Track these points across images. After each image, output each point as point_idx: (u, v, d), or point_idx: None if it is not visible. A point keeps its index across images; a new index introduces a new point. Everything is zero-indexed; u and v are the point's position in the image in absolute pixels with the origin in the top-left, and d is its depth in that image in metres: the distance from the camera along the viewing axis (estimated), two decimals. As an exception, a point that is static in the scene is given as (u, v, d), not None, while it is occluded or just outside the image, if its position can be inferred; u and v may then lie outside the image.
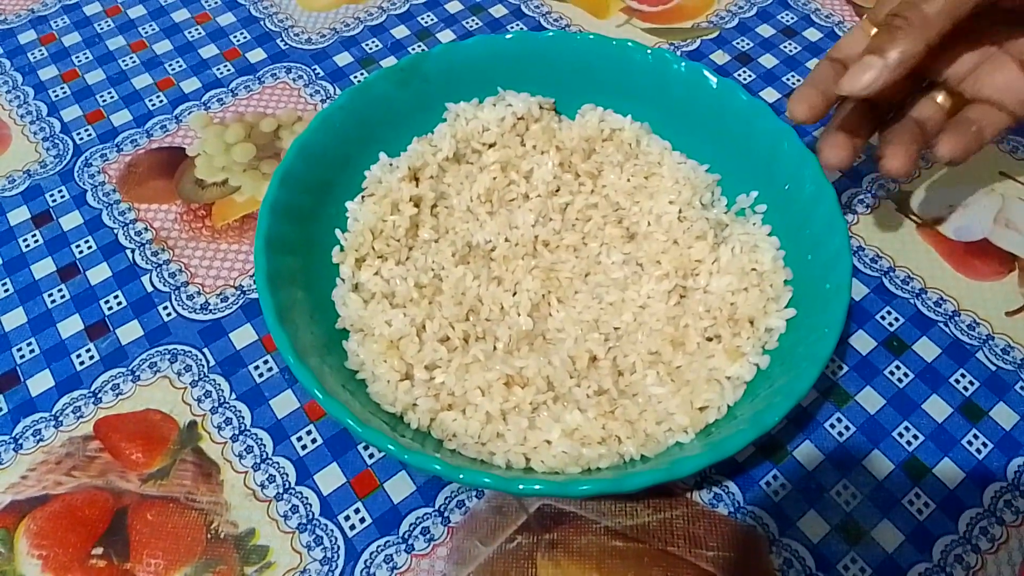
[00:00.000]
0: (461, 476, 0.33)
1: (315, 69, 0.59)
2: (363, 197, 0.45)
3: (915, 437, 0.41)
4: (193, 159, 0.54)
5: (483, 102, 0.49)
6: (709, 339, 0.41)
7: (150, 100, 0.58)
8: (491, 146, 0.48)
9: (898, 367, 0.44)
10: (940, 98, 0.41)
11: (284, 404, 0.43)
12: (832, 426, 0.42)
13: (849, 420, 0.42)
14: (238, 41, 0.62)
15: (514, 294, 0.43)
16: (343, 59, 0.60)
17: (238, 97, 0.58)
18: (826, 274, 0.39)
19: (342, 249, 0.43)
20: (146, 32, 0.63)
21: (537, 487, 0.33)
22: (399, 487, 0.40)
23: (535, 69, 0.49)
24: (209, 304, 0.47)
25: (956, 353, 0.44)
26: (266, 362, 0.44)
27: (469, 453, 0.37)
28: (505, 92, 0.49)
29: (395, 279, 0.42)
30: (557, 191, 0.47)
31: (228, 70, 0.60)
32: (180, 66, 0.60)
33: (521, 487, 0.33)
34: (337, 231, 0.44)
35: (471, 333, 0.41)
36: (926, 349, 0.45)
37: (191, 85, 0.59)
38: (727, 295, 0.42)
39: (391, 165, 0.46)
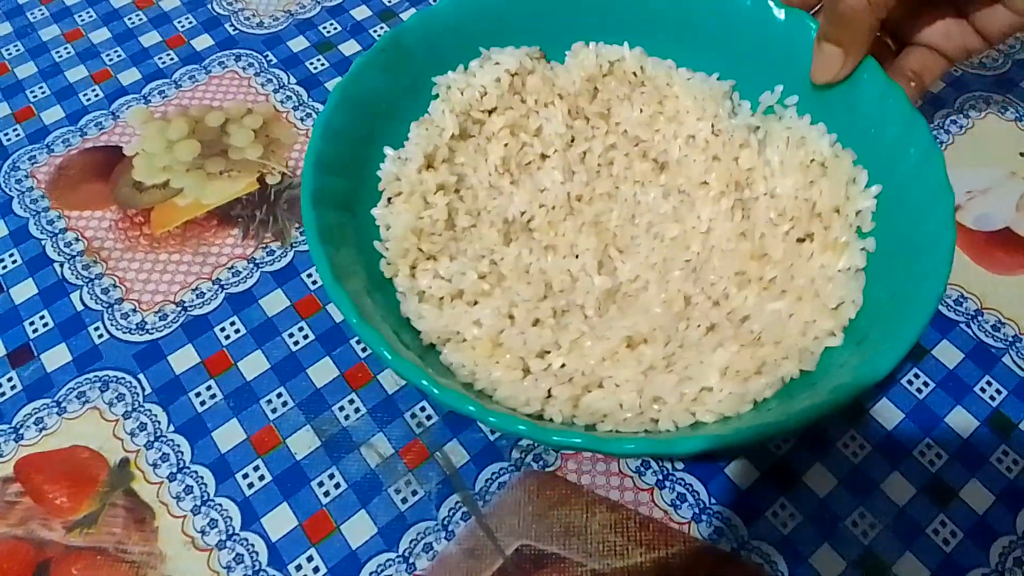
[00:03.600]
0: (680, 447, 0.30)
1: (267, 56, 0.54)
2: (388, 200, 0.40)
3: (938, 456, 0.37)
4: (131, 159, 0.49)
5: (468, 67, 0.44)
6: (800, 240, 0.39)
7: (84, 95, 0.52)
8: (492, 111, 0.44)
9: (917, 375, 0.39)
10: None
11: (229, 435, 0.38)
12: (846, 445, 0.37)
13: (864, 438, 0.37)
14: (183, 27, 0.56)
15: (576, 257, 0.40)
16: (298, 44, 0.55)
17: (182, 89, 0.52)
18: (904, 141, 0.36)
19: (389, 263, 0.38)
20: (83, 20, 0.57)
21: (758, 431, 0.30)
22: (358, 529, 0.35)
23: (514, 19, 0.44)
24: (146, 323, 0.42)
25: (981, 358, 0.40)
26: (209, 388, 0.39)
27: (632, 428, 0.33)
28: (489, 51, 0.44)
29: (456, 276, 0.38)
30: (572, 141, 0.44)
31: (171, 59, 0.54)
32: (119, 56, 0.55)
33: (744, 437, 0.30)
34: (376, 244, 0.39)
35: (556, 309, 0.37)
36: (947, 354, 0.40)
37: (130, 77, 0.53)
38: (798, 193, 0.40)
39: (400, 158, 0.41)
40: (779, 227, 0.39)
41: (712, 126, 0.42)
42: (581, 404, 0.34)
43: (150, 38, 0.56)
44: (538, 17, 0.44)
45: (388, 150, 0.41)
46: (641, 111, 0.44)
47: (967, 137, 0.49)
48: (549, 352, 0.36)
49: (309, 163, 0.36)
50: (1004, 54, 0.53)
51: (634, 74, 0.45)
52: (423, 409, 0.39)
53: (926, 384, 0.39)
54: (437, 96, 0.43)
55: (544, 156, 0.43)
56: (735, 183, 0.41)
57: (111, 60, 0.54)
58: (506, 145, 0.43)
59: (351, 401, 0.39)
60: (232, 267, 0.44)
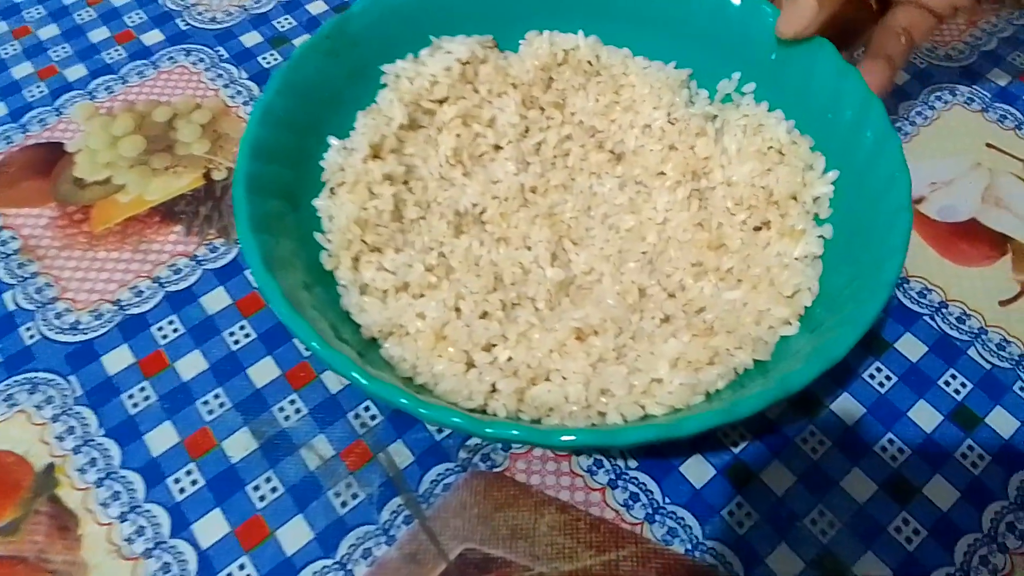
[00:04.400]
0: (623, 437, 0.28)
1: (219, 51, 0.53)
2: (331, 191, 0.39)
3: (900, 451, 0.36)
4: (73, 156, 0.47)
5: (418, 56, 0.42)
6: (757, 228, 0.38)
7: (29, 91, 0.51)
8: (443, 101, 0.42)
9: (879, 369, 0.38)
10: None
11: (161, 438, 0.36)
12: (804, 441, 0.36)
13: (823, 434, 0.36)
14: (133, 22, 0.55)
15: (529, 249, 0.38)
16: (251, 39, 0.53)
17: (129, 84, 0.51)
18: (860, 125, 0.36)
19: (330, 255, 0.36)
20: (31, 16, 0.56)
21: (703, 422, 0.28)
22: (294, 535, 0.34)
23: (465, 7, 0.43)
24: (80, 323, 0.40)
25: (945, 350, 0.39)
26: (143, 389, 0.38)
27: (578, 422, 0.32)
28: (440, 40, 0.42)
29: (402, 268, 0.36)
30: (526, 132, 0.43)
31: (119, 54, 0.53)
32: (66, 52, 0.53)
33: (688, 428, 0.28)
34: (317, 235, 0.37)
35: (506, 301, 0.36)
36: (910, 347, 0.39)
37: (76, 72, 0.52)
38: (755, 180, 0.39)
39: (346, 148, 0.39)
40: (736, 216, 0.38)
41: (668, 115, 0.41)
42: (526, 398, 0.33)
43: (99, 34, 0.54)
44: (490, 5, 0.43)
45: (333, 140, 0.39)
46: (597, 100, 0.43)
47: (932, 128, 0.48)
48: (496, 345, 0.34)
49: (245, 148, 0.34)
50: (970, 46, 0.52)
51: (589, 63, 0.43)
52: (367, 409, 0.37)
53: (888, 378, 0.38)
54: (385, 85, 0.42)
55: (497, 147, 0.42)
56: (692, 172, 0.40)
57: (58, 56, 0.53)
58: (458, 136, 0.41)
59: (292, 402, 0.37)
60: (173, 265, 0.42)
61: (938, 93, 0.50)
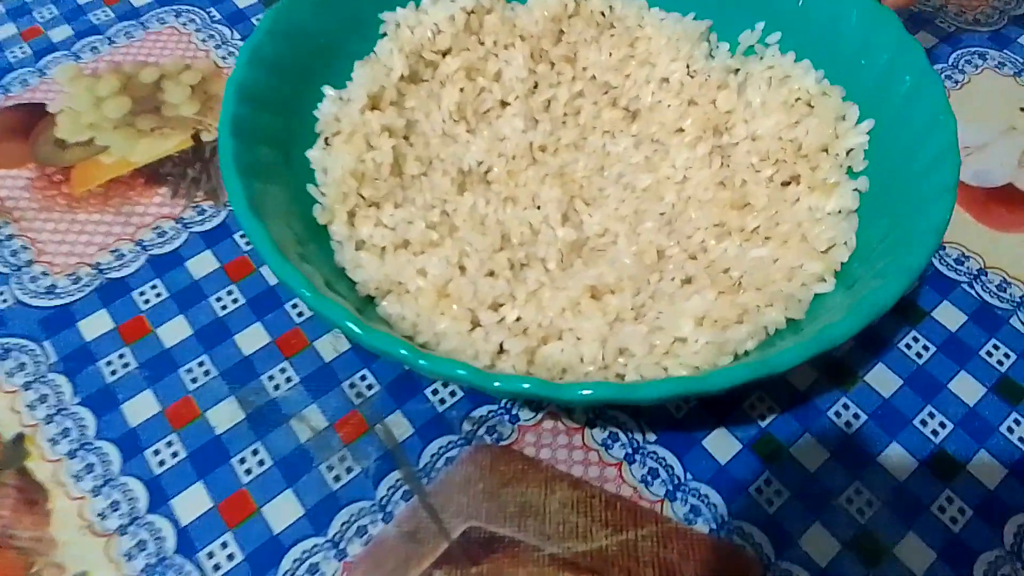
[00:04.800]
0: (644, 392, 0.25)
1: (210, 12, 0.50)
2: (326, 141, 0.36)
3: (942, 425, 0.33)
4: (55, 116, 0.44)
5: (420, 4, 0.40)
6: (785, 184, 0.35)
7: (11, 52, 0.48)
8: (446, 53, 0.39)
9: (916, 339, 0.35)
10: None
11: (141, 408, 0.33)
12: (838, 414, 0.33)
13: (858, 406, 0.33)
14: (122, -16, 0.52)
15: (538, 208, 0.36)
16: (245, 0, 0.51)
17: (115, 45, 0.48)
18: (896, 69, 0.33)
19: (324, 208, 0.34)
20: (15, -22, 0.53)
21: (734, 375, 0.25)
22: (282, 512, 0.31)
23: None
24: (57, 287, 0.37)
25: (985, 319, 0.36)
26: (121, 356, 0.35)
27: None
28: None
29: (401, 224, 0.33)
30: (535, 87, 0.40)
31: (107, 15, 0.50)
32: (51, 13, 0.50)
33: (718, 382, 0.25)
34: (310, 188, 0.34)
35: (514, 260, 0.33)
36: (948, 316, 0.36)
37: (62, 34, 0.49)
38: (782, 133, 0.36)
39: (342, 99, 0.37)
40: (761, 172, 0.35)
41: (687, 67, 0.39)
42: (537, 358, 0.30)
43: (86, -5, 0.52)
44: None
45: (328, 89, 0.37)
46: (610, 55, 0.40)
47: (963, 93, 0.45)
48: (503, 304, 0.32)
49: (231, 89, 0.32)
50: (999, 10, 0.50)
51: (602, 14, 0.41)
52: (363, 378, 0.34)
53: (926, 348, 0.35)
54: (385, 35, 0.39)
55: (504, 103, 0.39)
56: (713, 128, 0.37)
57: (43, 18, 0.50)
58: (462, 90, 0.39)
59: (283, 370, 0.35)
60: (157, 227, 0.39)
61: (968, 57, 0.47)
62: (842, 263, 0.31)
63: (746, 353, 0.29)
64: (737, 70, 0.39)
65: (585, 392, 0.24)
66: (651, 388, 0.25)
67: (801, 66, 0.37)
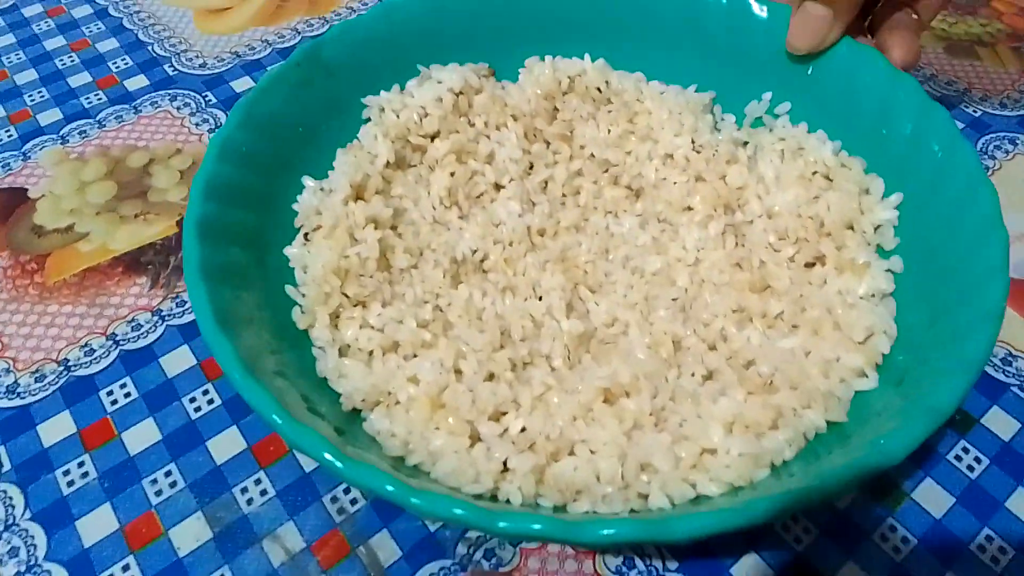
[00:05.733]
0: (679, 528, 0.21)
1: (206, 96, 0.49)
2: (305, 237, 0.33)
3: (1001, 551, 0.29)
4: (35, 202, 0.42)
5: (405, 87, 0.38)
6: (809, 265, 0.32)
7: (-3, 136, 0.46)
8: (434, 137, 0.37)
9: (966, 450, 0.32)
10: None
11: (97, 524, 0.30)
12: (884, 537, 0.29)
13: (907, 528, 0.29)
14: (117, 68, 0.51)
15: (540, 299, 0.33)
16: (242, 84, 0.50)
17: (105, 129, 0.47)
18: (922, 136, 0.30)
19: (304, 311, 0.31)
20: (10, 61, 0.52)
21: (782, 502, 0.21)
22: (248, 651, 0.27)
23: (454, 31, 0.38)
24: (19, 385, 0.34)
25: (1041, 427, 0.32)
26: (81, 464, 0.32)
27: (614, 507, 0.25)
28: (428, 68, 0.38)
29: (390, 324, 0.30)
30: (530, 168, 0.38)
31: (99, 99, 0.49)
32: (42, 96, 0.49)
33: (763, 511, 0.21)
34: (289, 289, 0.31)
35: (516, 360, 0.30)
36: (1000, 423, 0.32)
37: (50, 117, 0.47)
38: (801, 209, 0.33)
39: (323, 190, 0.34)
40: (781, 252, 0.32)
41: (692, 141, 0.37)
42: (547, 478, 0.26)
43: (79, 79, 0.50)
44: (483, 29, 0.39)
45: (308, 180, 0.34)
46: (609, 131, 0.38)
47: (995, 180, 0.43)
48: (506, 413, 0.28)
49: (198, 186, 0.29)
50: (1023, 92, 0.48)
51: (598, 89, 0.39)
52: (347, 491, 0.31)
53: (978, 460, 0.31)
54: (368, 120, 0.37)
55: (498, 186, 0.37)
56: (724, 205, 0.35)
57: (33, 101, 0.49)
58: (452, 174, 0.36)
59: (257, 481, 0.31)
60: (133, 320, 0.37)
61: (997, 143, 0.45)
62: (883, 355, 0.28)
63: (785, 464, 0.26)
64: (746, 143, 0.37)
65: (607, 532, 0.21)
66: (684, 524, 0.21)
67: (816, 137, 0.35)
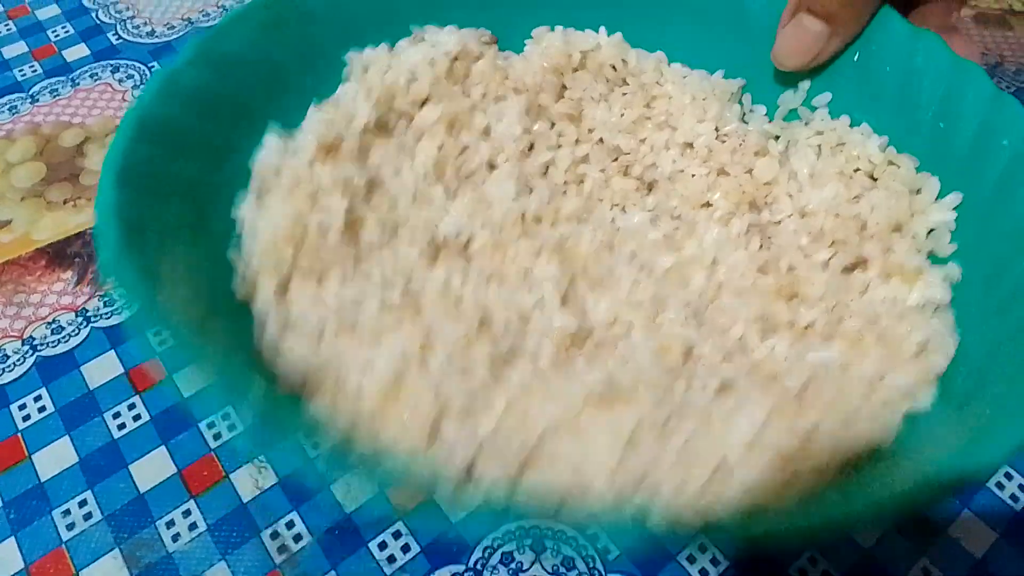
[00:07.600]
0: None
1: (152, 66, 0.44)
2: (258, 195, 0.28)
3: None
4: (-48, 186, 0.38)
5: (395, 46, 0.33)
6: (848, 269, 0.28)
7: (-84, 112, 0.42)
8: (423, 104, 0.32)
9: (1008, 476, 0.27)
10: None
11: (-5, 567, 0.26)
12: (915, 582, 0.25)
13: (942, 570, 0.25)
14: (57, 36, 0.46)
15: (531, 290, 0.28)
16: (194, 55, 0.45)
17: (38, 104, 0.42)
18: (989, 131, 0.26)
19: (244, 279, 0.26)
20: (-61, 31, 0.47)
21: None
22: None
23: None
24: (-84, 397, 0.30)
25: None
26: (-19, 492, 0.27)
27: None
28: (422, 29, 0.33)
29: (349, 304, 0.26)
30: (531, 149, 0.33)
31: (33, 71, 0.44)
32: (-31, 70, 0.44)
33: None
34: (233, 255, 0.27)
35: (495, 355, 0.25)
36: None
37: (-22, 91, 0.43)
38: (840, 209, 0.29)
39: (286, 146, 0.29)
40: (814, 256, 0.28)
41: (716, 130, 0.32)
42: (521, 485, 0.22)
43: (14, 49, 0.45)
44: None
45: (271, 134, 0.29)
46: (622, 115, 0.33)
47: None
48: (473, 415, 0.24)
49: (129, 123, 0.24)
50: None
51: (613, 68, 0.34)
52: (290, 525, 0.26)
53: (1022, 488, 0.27)
54: (349, 78, 0.32)
55: (492, 166, 0.32)
56: (749, 203, 0.30)
57: (-40, 74, 0.44)
58: (441, 146, 0.31)
59: (186, 513, 0.27)
60: (54, 322, 0.32)
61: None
62: (938, 374, 0.24)
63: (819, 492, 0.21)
64: (777, 137, 0.32)
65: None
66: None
67: (859, 131, 0.30)
